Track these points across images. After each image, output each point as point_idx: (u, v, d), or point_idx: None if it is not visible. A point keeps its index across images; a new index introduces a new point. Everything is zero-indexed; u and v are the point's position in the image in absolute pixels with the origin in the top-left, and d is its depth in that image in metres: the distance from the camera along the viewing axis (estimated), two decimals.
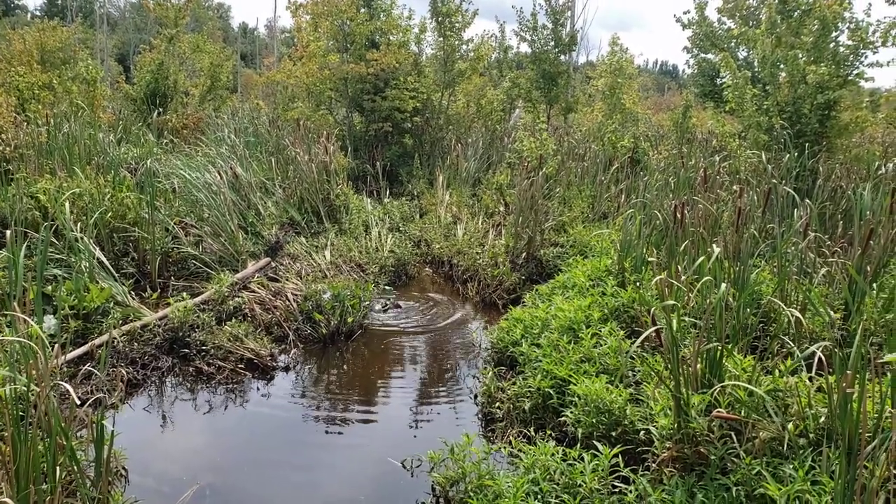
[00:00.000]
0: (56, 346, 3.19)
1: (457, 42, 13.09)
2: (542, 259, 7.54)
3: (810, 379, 3.18)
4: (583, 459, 3.18)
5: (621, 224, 6.56)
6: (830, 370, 2.96)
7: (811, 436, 2.96)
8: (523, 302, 6.09)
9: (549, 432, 3.90)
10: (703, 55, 10.80)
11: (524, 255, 7.66)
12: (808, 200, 5.70)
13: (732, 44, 9.78)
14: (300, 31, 12.98)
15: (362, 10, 12.77)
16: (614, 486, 3.08)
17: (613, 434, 3.52)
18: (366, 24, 12.34)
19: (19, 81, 11.81)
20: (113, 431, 3.05)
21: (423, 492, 3.62)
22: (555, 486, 3.12)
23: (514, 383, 4.45)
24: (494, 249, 7.82)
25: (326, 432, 4.41)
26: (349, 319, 5.93)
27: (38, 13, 50.67)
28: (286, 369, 5.31)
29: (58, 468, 2.77)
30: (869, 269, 4.54)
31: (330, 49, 12.65)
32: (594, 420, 3.60)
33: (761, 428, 2.99)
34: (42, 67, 13.79)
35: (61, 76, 12.77)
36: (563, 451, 3.34)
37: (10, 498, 2.57)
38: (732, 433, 3.02)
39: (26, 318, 3.13)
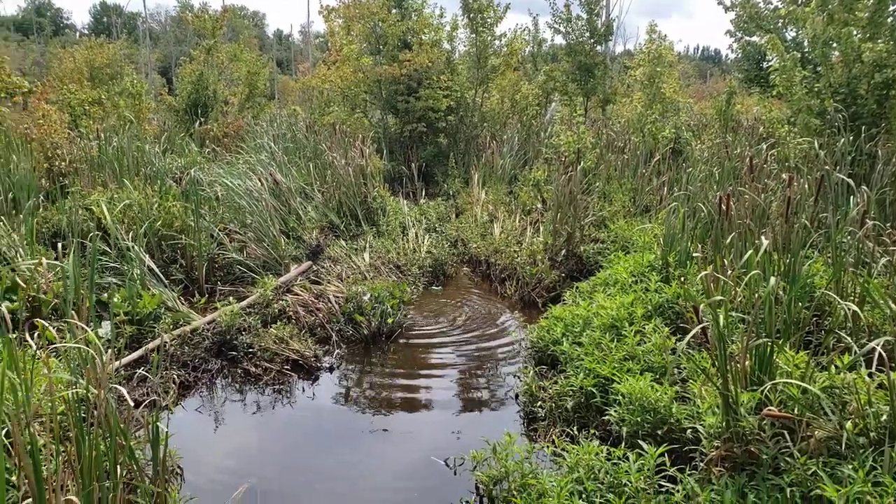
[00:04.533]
0: (109, 350, 3.31)
1: (489, 38, 13.02)
2: (582, 256, 7.43)
3: (870, 375, 3.04)
4: (627, 459, 3.12)
5: (664, 218, 6.40)
6: (892, 366, 2.82)
7: (872, 435, 2.83)
8: (563, 300, 6.01)
9: (592, 431, 3.84)
10: (747, 38, 10.40)
11: (563, 252, 7.56)
12: (864, 187, 5.43)
13: (779, 24, 9.39)
14: (333, 35, 13.15)
15: (393, 11, 12.84)
16: (661, 486, 3.01)
17: (659, 433, 3.45)
18: (397, 25, 12.40)
19: (71, 98, 12.35)
20: (167, 432, 3.16)
21: (466, 490, 3.63)
22: (599, 485, 3.08)
23: (556, 382, 4.40)
24: (532, 247, 7.75)
25: (371, 431, 4.45)
26: (389, 320, 5.97)
27: (85, 31, 52.76)
28: (330, 369, 5.40)
29: (119, 467, 2.89)
30: None
31: (363, 51, 12.76)
32: (639, 419, 3.54)
33: (817, 427, 2.87)
34: (91, 84, 14.38)
35: (109, 91, 13.27)
36: (608, 450, 3.29)
37: (76, 494, 2.69)
38: (785, 432, 2.91)
39: (82, 325, 3.25)
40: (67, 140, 9.13)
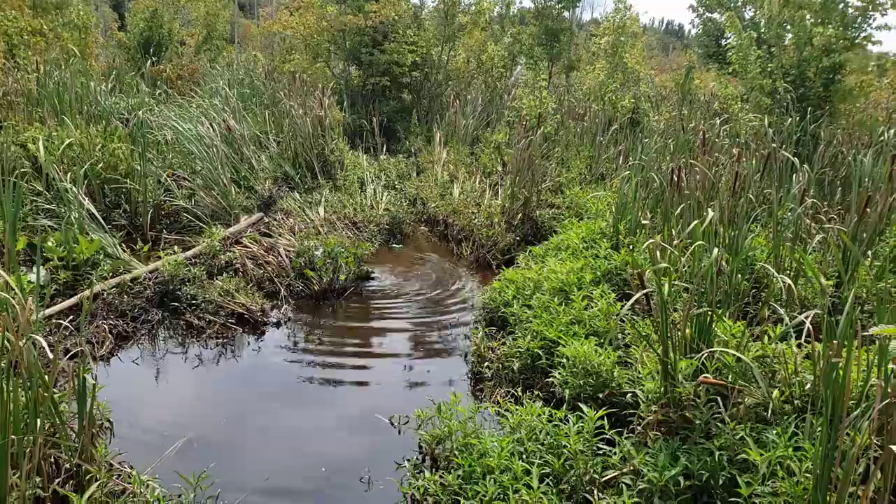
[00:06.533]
0: (31, 297, 3.14)
1: None
2: (538, 220, 7.48)
3: (799, 346, 3.18)
4: (568, 421, 3.20)
5: (618, 186, 6.47)
6: (819, 337, 2.95)
7: (796, 402, 2.97)
8: (517, 263, 6.06)
9: (536, 393, 3.91)
10: (708, 14, 10.51)
11: (520, 215, 7.59)
12: (806, 166, 5.61)
13: (739, 3, 9.50)
14: None
15: None
16: (599, 449, 3.10)
17: (600, 396, 3.54)
18: None
19: (8, 26, 11.44)
20: (95, 384, 3.03)
21: (410, 449, 3.63)
22: (540, 446, 3.14)
23: (504, 343, 4.46)
24: (490, 209, 7.75)
25: (316, 389, 4.42)
26: (342, 277, 5.90)
27: None
28: (277, 325, 5.31)
29: (39, 420, 2.74)
30: (865, 236, 4.50)
31: (328, 0, 12.28)
32: (581, 382, 3.61)
33: (747, 394, 3.00)
34: (33, 12, 13.39)
35: (53, 22, 12.40)
36: (550, 412, 3.35)
37: None
38: (718, 398, 3.03)
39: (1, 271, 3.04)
40: (2, 71, 8.51)
